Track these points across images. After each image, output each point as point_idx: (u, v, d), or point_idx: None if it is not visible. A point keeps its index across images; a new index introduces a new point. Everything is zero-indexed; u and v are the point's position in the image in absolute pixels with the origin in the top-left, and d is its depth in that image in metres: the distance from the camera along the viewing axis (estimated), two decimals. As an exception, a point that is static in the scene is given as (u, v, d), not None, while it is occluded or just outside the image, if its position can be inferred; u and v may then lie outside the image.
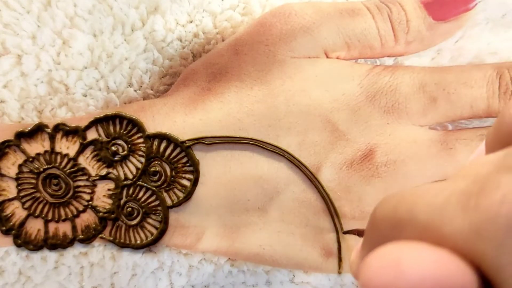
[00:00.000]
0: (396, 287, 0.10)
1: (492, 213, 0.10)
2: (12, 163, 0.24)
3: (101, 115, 0.24)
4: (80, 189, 0.24)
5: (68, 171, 0.24)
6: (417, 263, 0.10)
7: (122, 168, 0.24)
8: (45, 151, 0.24)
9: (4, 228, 0.24)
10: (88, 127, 0.24)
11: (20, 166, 0.24)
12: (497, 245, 0.09)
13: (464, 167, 0.12)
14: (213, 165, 0.24)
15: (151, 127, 0.24)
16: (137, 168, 0.24)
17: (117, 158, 0.24)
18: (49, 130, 0.24)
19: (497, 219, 0.09)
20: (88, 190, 0.24)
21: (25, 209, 0.24)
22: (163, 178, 0.24)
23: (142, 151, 0.24)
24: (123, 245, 0.25)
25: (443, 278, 0.10)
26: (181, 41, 0.26)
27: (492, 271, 0.10)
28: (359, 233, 0.22)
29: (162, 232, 0.24)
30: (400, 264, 0.10)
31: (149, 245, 0.25)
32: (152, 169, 0.24)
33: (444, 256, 0.10)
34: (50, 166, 0.24)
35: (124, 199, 0.24)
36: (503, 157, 0.11)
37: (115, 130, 0.24)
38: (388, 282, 0.10)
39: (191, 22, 0.26)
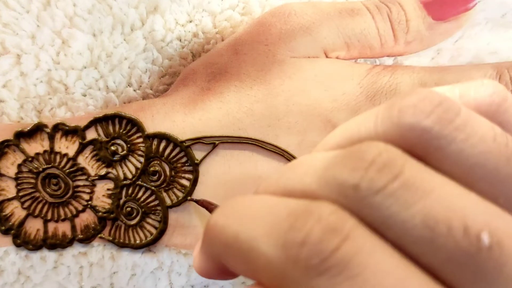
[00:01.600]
0: None
1: (293, 256, 0.11)
2: (11, 163, 0.24)
3: (101, 115, 0.24)
4: (79, 189, 0.24)
5: (68, 171, 0.24)
6: None
7: (122, 168, 0.24)
8: (45, 151, 0.24)
9: (3, 228, 0.24)
10: (87, 126, 0.24)
11: (19, 165, 0.24)
12: (299, 286, 0.11)
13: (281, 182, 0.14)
14: (212, 165, 0.24)
15: (151, 127, 0.24)
16: (137, 168, 0.24)
17: (116, 158, 0.24)
18: (48, 130, 0.24)
19: (296, 263, 0.11)
20: (88, 190, 0.24)
21: (24, 209, 0.24)
22: (162, 177, 0.24)
23: (142, 150, 0.24)
24: (122, 245, 0.25)
25: None
26: (180, 40, 0.26)
27: None
28: (204, 204, 0.22)
29: (161, 232, 0.24)
30: None
31: (149, 245, 0.25)
32: (152, 168, 0.24)
33: None
34: (50, 166, 0.24)
35: (123, 199, 0.24)
36: (320, 179, 0.13)
37: (115, 130, 0.24)
38: None
39: (190, 21, 0.26)
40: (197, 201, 0.23)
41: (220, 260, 0.13)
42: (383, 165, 0.12)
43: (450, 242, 0.11)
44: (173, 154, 0.24)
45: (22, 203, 0.24)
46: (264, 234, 0.12)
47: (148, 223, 0.25)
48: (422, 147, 0.12)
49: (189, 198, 0.24)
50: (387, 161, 0.12)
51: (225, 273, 0.15)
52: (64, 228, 0.24)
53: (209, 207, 0.22)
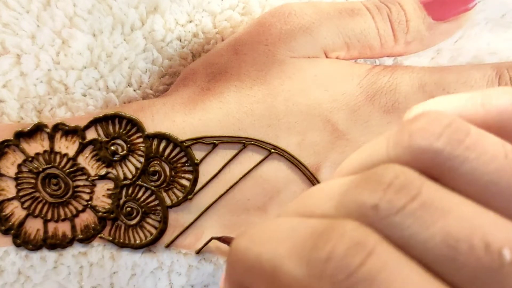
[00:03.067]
0: None
1: (318, 272, 0.11)
2: (11, 163, 0.24)
3: (101, 115, 0.24)
4: (79, 188, 0.24)
5: (68, 171, 0.24)
6: None
7: (122, 168, 0.24)
8: (45, 151, 0.24)
9: (3, 227, 0.24)
10: (87, 127, 0.24)
11: (19, 165, 0.24)
12: None
13: (309, 195, 0.14)
14: (212, 165, 0.24)
15: (151, 127, 0.24)
16: (137, 168, 0.24)
17: (116, 158, 0.24)
18: (48, 130, 0.24)
19: (321, 279, 0.11)
20: (88, 190, 0.24)
21: (24, 208, 0.24)
22: (162, 178, 0.24)
23: (142, 150, 0.24)
24: (122, 245, 0.25)
25: None
26: (180, 40, 0.26)
27: None
28: (225, 240, 0.23)
29: (161, 232, 0.24)
30: None
31: (149, 245, 0.25)
32: (152, 168, 0.24)
33: None
34: (50, 166, 0.24)
35: (123, 199, 0.24)
36: (339, 203, 0.13)
37: (115, 130, 0.24)
38: None
39: (190, 22, 0.26)
40: (218, 239, 0.23)
41: (244, 286, 0.13)
42: (401, 186, 0.12)
43: (473, 260, 0.11)
44: (173, 154, 0.24)
45: (22, 203, 0.24)
46: (287, 253, 0.12)
47: (148, 223, 0.25)
48: (436, 169, 0.12)
49: (211, 237, 0.24)
50: (405, 182, 0.12)
51: None
52: (64, 228, 0.24)
53: (231, 242, 0.22)
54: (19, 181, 0.24)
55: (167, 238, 0.25)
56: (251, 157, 0.24)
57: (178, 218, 0.24)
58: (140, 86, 0.26)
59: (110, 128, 0.24)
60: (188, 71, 0.25)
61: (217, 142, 0.24)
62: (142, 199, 0.24)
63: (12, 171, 0.24)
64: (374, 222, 0.12)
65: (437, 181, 0.12)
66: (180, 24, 0.26)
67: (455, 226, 0.11)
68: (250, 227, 0.14)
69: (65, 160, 0.24)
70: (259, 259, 0.12)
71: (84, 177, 0.24)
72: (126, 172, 0.24)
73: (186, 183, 0.24)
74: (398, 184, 0.12)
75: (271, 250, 0.12)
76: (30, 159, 0.24)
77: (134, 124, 0.24)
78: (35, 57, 0.25)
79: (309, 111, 0.24)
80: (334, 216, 0.13)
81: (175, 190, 0.24)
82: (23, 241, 0.24)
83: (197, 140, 0.24)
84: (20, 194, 0.24)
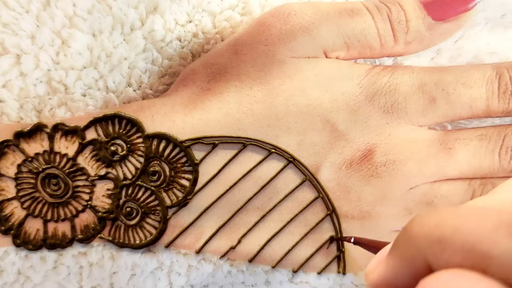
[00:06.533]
0: None
1: None
2: (11, 163, 0.24)
3: (100, 115, 0.24)
4: (79, 189, 0.24)
5: (67, 171, 0.24)
6: None
7: (121, 168, 0.24)
8: (44, 151, 0.24)
9: (3, 228, 0.24)
10: (87, 127, 0.24)
11: (19, 166, 0.24)
12: None
13: (502, 190, 0.15)
14: (212, 165, 0.24)
15: (150, 127, 0.24)
16: (136, 168, 0.24)
17: (116, 158, 0.24)
18: (48, 130, 0.24)
19: None
20: (87, 190, 0.24)
21: (24, 209, 0.24)
22: (162, 178, 0.24)
23: (141, 151, 0.24)
24: (122, 245, 0.25)
25: None
26: (180, 41, 0.26)
27: None
28: (356, 241, 0.22)
29: (161, 232, 0.24)
30: None
31: (148, 245, 0.25)
32: (151, 169, 0.24)
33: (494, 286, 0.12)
34: (49, 166, 0.24)
35: (123, 199, 0.24)
36: None
37: (114, 130, 0.24)
38: None
39: (190, 22, 0.26)
40: (343, 238, 0.23)
41: (423, 260, 0.14)
42: None
43: None
44: (173, 154, 0.24)
45: (22, 203, 0.24)
46: (493, 228, 0.12)
47: (147, 223, 0.25)
48: None
49: (330, 235, 0.25)
50: None
51: (418, 277, 0.15)
52: (64, 228, 0.24)
53: (366, 243, 0.22)
54: (18, 181, 0.24)
55: (167, 238, 0.25)
56: (251, 157, 0.24)
57: (178, 218, 0.24)
58: (140, 86, 0.26)
59: (110, 128, 0.24)
60: (188, 71, 0.25)
61: (217, 142, 0.24)
62: (142, 199, 0.24)
63: (11, 171, 0.24)
64: None
65: None
66: (180, 24, 0.26)
67: None
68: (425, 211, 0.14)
69: (64, 160, 0.24)
70: (457, 232, 0.13)
71: (84, 177, 0.24)
72: (126, 172, 0.24)
73: (186, 183, 0.24)
74: None
75: (472, 225, 0.13)
76: (29, 159, 0.24)
77: (134, 124, 0.24)
78: (35, 57, 0.25)
79: (309, 111, 0.24)
80: None
81: (175, 190, 0.24)
82: (23, 241, 0.24)
83: (197, 140, 0.24)
84: (20, 194, 0.24)
